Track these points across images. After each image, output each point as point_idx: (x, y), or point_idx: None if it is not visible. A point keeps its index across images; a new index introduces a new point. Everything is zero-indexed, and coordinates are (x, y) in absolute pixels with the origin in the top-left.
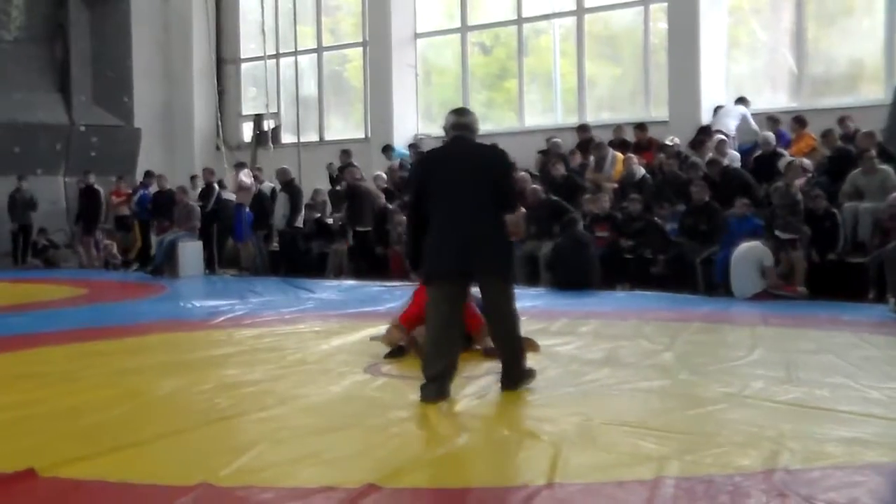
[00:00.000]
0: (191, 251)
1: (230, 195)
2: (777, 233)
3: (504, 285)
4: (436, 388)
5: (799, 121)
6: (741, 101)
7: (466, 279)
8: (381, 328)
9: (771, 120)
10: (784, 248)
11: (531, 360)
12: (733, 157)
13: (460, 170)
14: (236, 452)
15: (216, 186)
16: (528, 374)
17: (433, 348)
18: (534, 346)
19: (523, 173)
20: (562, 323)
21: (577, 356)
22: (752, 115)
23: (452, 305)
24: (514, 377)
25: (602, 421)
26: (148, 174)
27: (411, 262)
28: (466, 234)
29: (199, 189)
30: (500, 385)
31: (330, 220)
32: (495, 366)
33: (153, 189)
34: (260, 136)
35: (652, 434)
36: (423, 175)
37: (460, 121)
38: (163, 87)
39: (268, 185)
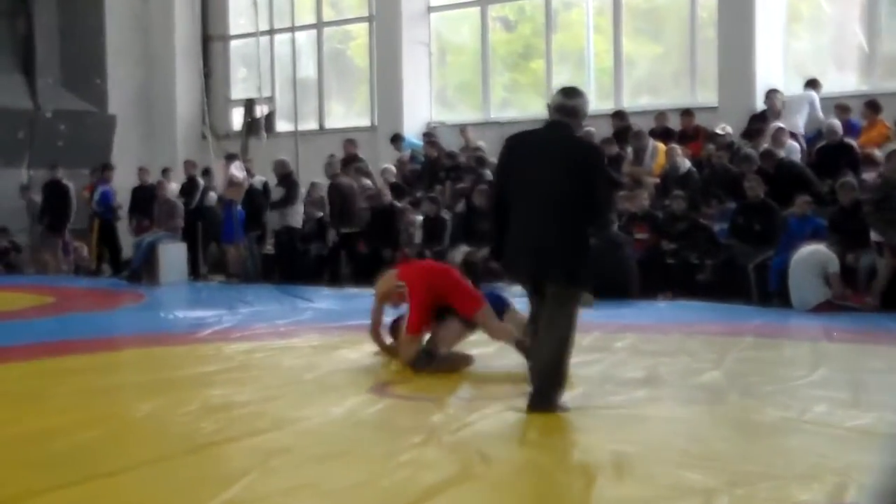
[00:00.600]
0: (173, 254)
1: (213, 193)
2: (872, 235)
3: (564, 298)
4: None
5: (871, 106)
6: (811, 84)
7: (537, 282)
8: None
9: (840, 108)
10: (856, 251)
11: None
12: (791, 149)
13: (549, 161)
14: (224, 483)
15: (200, 181)
16: (560, 407)
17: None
18: None
19: None
20: (594, 337)
21: (612, 375)
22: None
23: (535, 303)
24: (545, 403)
25: (640, 449)
26: (106, 167)
27: (493, 253)
28: (540, 235)
29: (181, 184)
30: (526, 405)
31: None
32: (518, 387)
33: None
34: (251, 124)
35: (697, 464)
36: (508, 159)
37: (566, 103)
38: (141, 68)
39: (259, 180)
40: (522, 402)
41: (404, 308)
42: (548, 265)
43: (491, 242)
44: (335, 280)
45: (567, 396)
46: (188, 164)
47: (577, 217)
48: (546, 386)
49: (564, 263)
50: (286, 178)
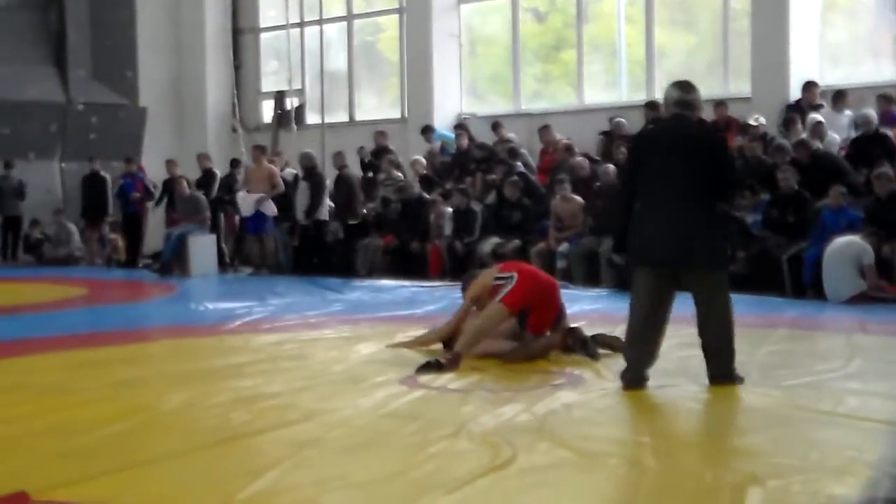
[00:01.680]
0: (202, 246)
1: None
2: None
3: (718, 279)
4: (630, 375)
5: None
6: (839, 97)
7: (674, 272)
8: (412, 333)
9: (884, 99)
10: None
11: (592, 368)
12: (831, 142)
13: (676, 152)
14: (253, 475)
15: (216, 172)
16: (738, 377)
17: (632, 337)
18: (620, 345)
19: (580, 158)
20: (623, 331)
21: None
22: (851, 89)
23: (657, 297)
24: (729, 372)
25: (673, 442)
26: (129, 160)
27: (615, 245)
28: (677, 224)
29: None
30: (708, 380)
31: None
32: (548, 376)
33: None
34: (282, 116)
35: (730, 457)
36: (637, 153)
37: (684, 98)
38: (171, 61)
39: (290, 172)
40: (548, 394)
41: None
42: (693, 253)
43: (615, 234)
44: (349, 273)
45: (601, 387)
46: (202, 158)
47: (713, 202)
48: (726, 363)
49: (710, 249)
50: (311, 172)
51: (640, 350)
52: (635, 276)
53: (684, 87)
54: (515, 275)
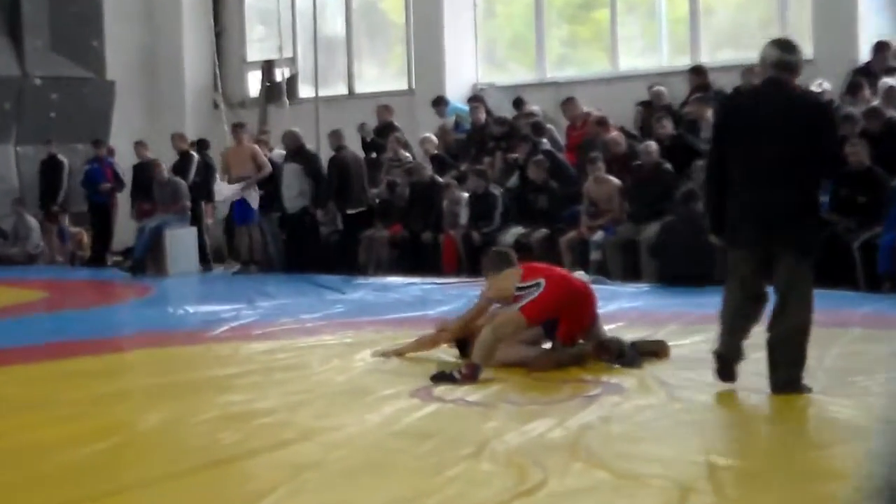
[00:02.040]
0: (181, 240)
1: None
2: None
3: (801, 268)
4: (722, 367)
5: None
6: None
7: (766, 254)
8: (401, 342)
9: None
10: None
11: (634, 376)
12: None
13: (772, 120)
14: (246, 502)
15: (194, 155)
16: (805, 387)
17: (726, 326)
18: (665, 351)
19: (615, 133)
20: (670, 331)
21: (692, 377)
22: None
23: (749, 283)
24: (795, 380)
25: (727, 462)
26: (97, 142)
27: (712, 226)
28: (770, 199)
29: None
30: (770, 387)
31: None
32: (581, 386)
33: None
34: (270, 90)
35: (801, 478)
36: (725, 121)
37: (784, 58)
38: (143, 28)
39: (279, 154)
40: (582, 407)
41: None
42: (784, 233)
43: (708, 215)
44: (349, 269)
45: (644, 398)
46: (177, 138)
47: (810, 179)
48: (793, 369)
49: (801, 231)
50: (299, 153)
51: (729, 341)
52: (728, 259)
53: (785, 47)
54: (542, 281)
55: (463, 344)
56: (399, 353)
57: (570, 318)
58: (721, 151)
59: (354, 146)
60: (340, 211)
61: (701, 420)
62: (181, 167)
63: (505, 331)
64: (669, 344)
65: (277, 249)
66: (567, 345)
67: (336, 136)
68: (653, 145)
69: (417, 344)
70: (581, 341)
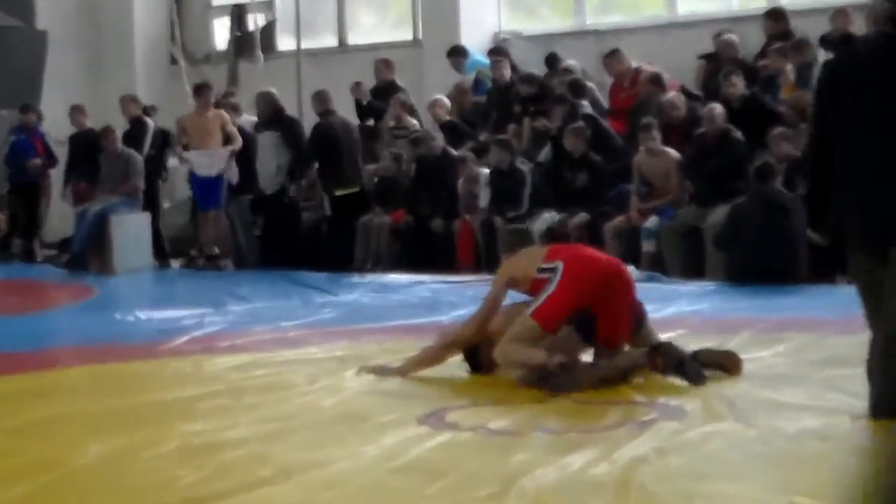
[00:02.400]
0: (132, 229)
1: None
2: None
3: None
4: (874, 400)
5: None
6: None
7: (884, 252)
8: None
9: None
10: None
11: (697, 396)
12: None
13: (890, 87)
14: None
15: (149, 121)
16: None
17: (872, 349)
18: (736, 364)
19: (672, 94)
20: (743, 339)
21: (769, 397)
22: None
23: (873, 289)
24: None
25: None
26: (24, 108)
27: (811, 219)
28: (888, 187)
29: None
30: (871, 412)
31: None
32: (632, 409)
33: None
34: (242, 41)
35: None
36: (832, 91)
37: None
38: None
39: (249, 120)
40: (633, 435)
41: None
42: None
43: (810, 205)
44: (341, 264)
45: (710, 424)
46: (128, 102)
47: None
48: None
49: None
50: (277, 119)
51: (881, 366)
52: (849, 262)
53: None
54: (560, 265)
55: (473, 354)
56: (400, 373)
57: (607, 309)
58: (824, 128)
59: (346, 112)
60: (327, 192)
61: (781, 452)
62: (132, 138)
63: (520, 347)
64: (741, 357)
65: (250, 240)
66: (612, 349)
67: (321, 99)
68: (718, 108)
69: (419, 360)
70: (627, 347)
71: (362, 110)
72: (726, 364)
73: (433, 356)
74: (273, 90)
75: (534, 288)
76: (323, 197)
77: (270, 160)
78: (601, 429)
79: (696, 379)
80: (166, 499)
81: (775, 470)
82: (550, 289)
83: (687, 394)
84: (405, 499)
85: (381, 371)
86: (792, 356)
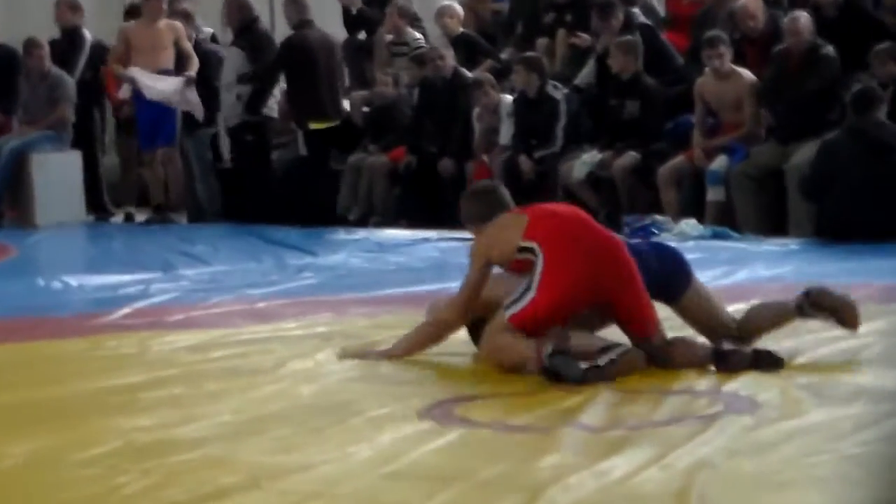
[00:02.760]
0: (58, 171)
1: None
2: None
3: None
4: None
5: None
6: None
7: None
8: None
9: None
10: None
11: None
12: None
13: None
14: None
15: (86, 35)
16: None
17: None
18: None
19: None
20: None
21: (863, 382)
22: None
23: None
24: None
25: None
26: None
27: None
28: None
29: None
30: None
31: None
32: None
33: None
34: None
35: None
36: None
37: None
38: None
39: (209, 32)
40: (693, 433)
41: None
42: None
43: None
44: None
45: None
46: (64, 7)
47: None
48: None
49: None
50: (245, 31)
51: None
52: None
53: None
54: (539, 254)
55: (476, 328)
56: (390, 356)
57: (619, 292)
58: None
59: (332, 24)
60: (300, 126)
61: (878, 455)
62: (64, 54)
63: (506, 352)
64: (829, 334)
65: (210, 187)
66: (645, 340)
67: (297, 6)
68: (804, 18)
69: (414, 341)
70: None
71: (352, 20)
72: (841, 313)
73: (429, 336)
74: None
75: (519, 268)
76: (297, 133)
77: (232, 85)
78: (651, 425)
79: (770, 364)
80: None
81: (870, 477)
82: (532, 290)
83: (761, 381)
84: None
85: (366, 355)
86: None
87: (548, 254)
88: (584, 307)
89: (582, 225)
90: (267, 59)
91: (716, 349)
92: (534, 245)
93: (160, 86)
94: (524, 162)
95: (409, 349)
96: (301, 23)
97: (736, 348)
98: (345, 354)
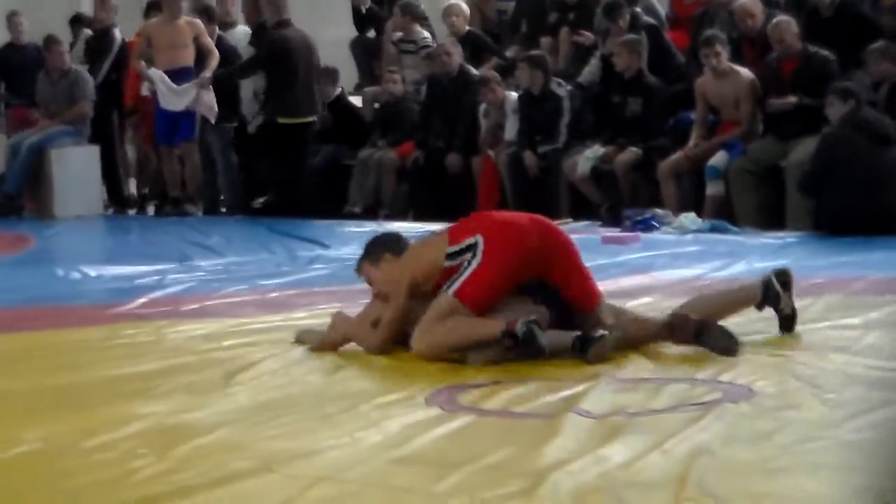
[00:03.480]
0: (77, 165)
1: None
2: None
3: None
4: None
5: None
6: None
7: None
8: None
9: None
10: None
11: (773, 372)
12: None
13: None
14: None
15: (117, 35)
16: None
17: None
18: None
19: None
20: (830, 303)
21: (859, 372)
22: None
23: None
24: None
25: None
26: None
27: None
28: None
29: (82, 38)
30: None
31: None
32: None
33: None
34: None
35: None
36: None
37: None
38: None
39: (243, 31)
40: (692, 420)
41: None
42: None
43: None
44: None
45: (788, 407)
46: (100, 6)
47: None
48: None
49: None
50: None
51: None
52: None
53: None
54: (479, 239)
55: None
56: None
57: (558, 271)
58: None
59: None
60: (270, 117)
61: (874, 442)
62: (93, 53)
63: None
64: (826, 324)
65: (229, 184)
66: (592, 313)
67: (276, 6)
68: (783, 23)
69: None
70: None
71: (361, 19)
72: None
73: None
74: None
75: (444, 280)
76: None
77: (247, 84)
78: (651, 412)
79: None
80: (118, 496)
81: (866, 464)
82: (473, 264)
83: (758, 370)
84: (411, 496)
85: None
86: (891, 325)
87: (488, 236)
88: (525, 278)
89: (509, 213)
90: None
91: (670, 321)
92: (473, 239)
93: (175, 100)
94: (528, 157)
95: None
96: (280, 22)
97: (686, 318)
98: (300, 340)
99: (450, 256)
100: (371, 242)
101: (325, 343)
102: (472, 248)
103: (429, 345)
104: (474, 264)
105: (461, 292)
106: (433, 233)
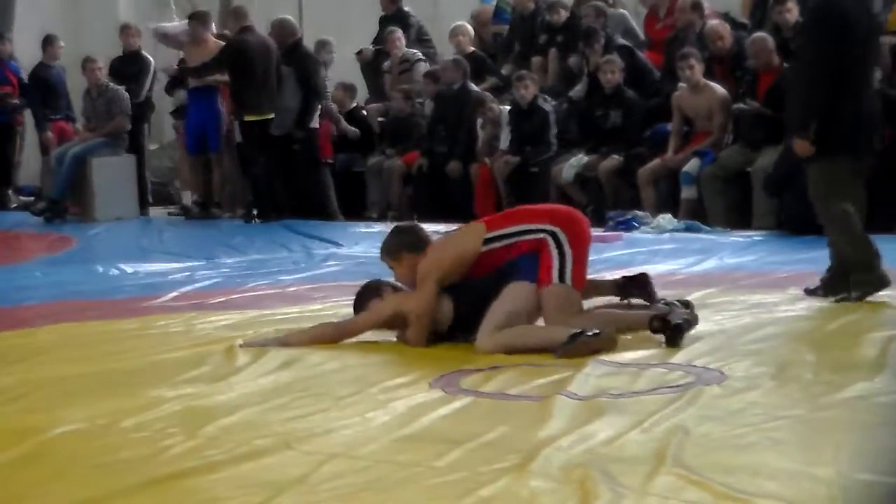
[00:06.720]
0: (115, 173)
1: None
2: None
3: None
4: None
5: None
6: None
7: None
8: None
9: None
10: None
11: (741, 358)
12: None
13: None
14: None
15: (149, 57)
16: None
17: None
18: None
19: (715, 22)
20: (792, 296)
21: (819, 358)
22: None
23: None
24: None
25: (870, 478)
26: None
27: (802, 123)
28: (875, 104)
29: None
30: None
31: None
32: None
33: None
34: None
35: None
36: (850, 9)
37: None
38: None
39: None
40: (669, 401)
41: None
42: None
43: (811, 118)
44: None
45: (756, 389)
46: (127, 32)
47: None
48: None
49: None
50: (294, 51)
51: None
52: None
53: None
54: (557, 230)
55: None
56: (285, 344)
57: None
58: (843, 46)
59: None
60: (237, 118)
61: (831, 421)
62: (130, 74)
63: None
64: (791, 314)
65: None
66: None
67: (237, 15)
68: (766, 40)
69: (309, 335)
70: None
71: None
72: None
73: (328, 336)
74: (290, 17)
75: (486, 262)
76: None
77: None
78: (632, 394)
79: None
80: (152, 471)
81: (824, 440)
82: (567, 254)
83: (729, 357)
84: (416, 470)
85: (264, 344)
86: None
87: (564, 226)
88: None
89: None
90: (309, 77)
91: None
92: (552, 227)
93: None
94: (452, 166)
95: (303, 342)
96: (242, 29)
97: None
98: (246, 345)
99: (492, 240)
100: (391, 237)
101: (373, 316)
102: (532, 232)
103: (496, 345)
104: (568, 253)
105: (575, 280)
106: (460, 227)
